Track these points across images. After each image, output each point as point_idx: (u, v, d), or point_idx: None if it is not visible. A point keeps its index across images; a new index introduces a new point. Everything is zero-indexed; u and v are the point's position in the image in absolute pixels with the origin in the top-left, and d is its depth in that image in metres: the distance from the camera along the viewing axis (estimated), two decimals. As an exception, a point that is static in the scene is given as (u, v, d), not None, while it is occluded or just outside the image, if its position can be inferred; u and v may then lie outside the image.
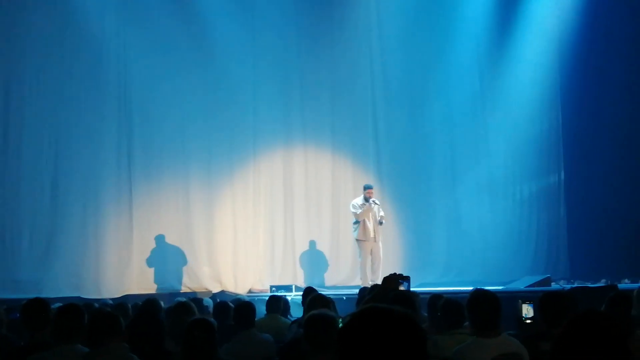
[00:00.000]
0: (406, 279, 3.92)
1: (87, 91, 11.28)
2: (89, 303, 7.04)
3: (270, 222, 12.40)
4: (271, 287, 11.28)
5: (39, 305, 4.56)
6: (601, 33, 12.67)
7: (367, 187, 11.03)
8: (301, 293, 10.21)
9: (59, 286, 10.45)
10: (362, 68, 13.05)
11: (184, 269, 11.64)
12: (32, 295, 6.22)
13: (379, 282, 8.59)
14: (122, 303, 7.26)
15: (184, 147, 11.90)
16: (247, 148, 12.34)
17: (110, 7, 11.52)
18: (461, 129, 13.40)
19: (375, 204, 10.83)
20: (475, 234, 13.06)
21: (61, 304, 4.46)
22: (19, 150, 10.91)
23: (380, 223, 10.90)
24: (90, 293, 10.47)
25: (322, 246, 12.58)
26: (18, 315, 5.65)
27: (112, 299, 9.30)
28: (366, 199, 10.84)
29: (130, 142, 11.50)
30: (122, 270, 11.16)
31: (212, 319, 4.19)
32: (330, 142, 12.87)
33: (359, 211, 10.80)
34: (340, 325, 1.71)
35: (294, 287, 11.21)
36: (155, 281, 11.38)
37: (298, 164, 12.67)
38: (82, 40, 11.29)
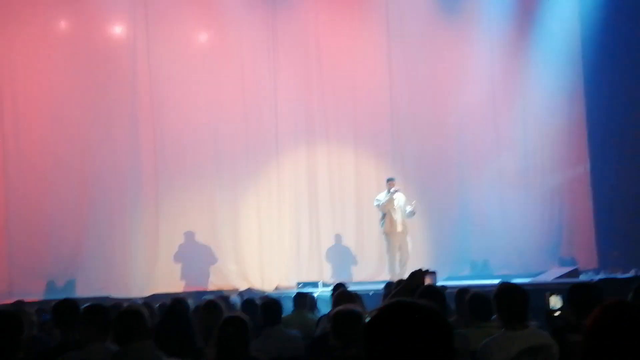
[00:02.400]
0: (432, 274, 3.91)
1: (112, 92, 11.40)
2: (118, 302, 7.11)
3: (295, 219, 12.43)
4: (297, 283, 11.31)
5: (69, 305, 4.63)
6: (625, 20, 12.49)
7: (388, 180, 11.09)
8: (327, 289, 10.26)
9: (88, 287, 10.58)
10: (382, 60, 13.01)
11: (211, 267, 11.72)
12: (62, 296, 6.30)
13: (406, 277, 8.60)
14: (147, 303, 7.31)
15: (208, 146, 11.98)
16: (270, 145, 12.38)
17: (134, 13, 11.63)
18: (484, 120, 13.31)
19: (396, 191, 10.84)
20: (501, 226, 12.96)
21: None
22: (47, 152, 11.05)
23: (413, 213, 10.89)
24: (119, 292, 10.57)
25: (348, 242, 12.59)
26: (48, 316, 5.74)
27: (141, 298, 9.39)
28: (389, 191, 10.87)
29: (155, 142, 11.61)
30: (150, 270, 11.28)
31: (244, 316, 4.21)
32: (352, 137, 12.86)
33: (380, 202, 10.82)
34: (367, 320, 1.71)
35: (320, 283, 11.23)
36: (183, 280, 11.47)
37: (321, 160, 12.69)
38: (105, 46, 11.48)
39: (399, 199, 10.97)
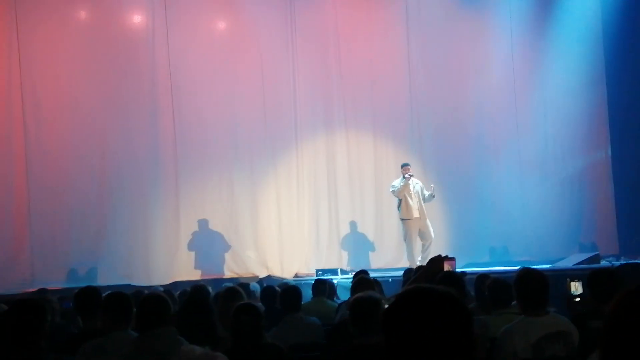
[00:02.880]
0: (452, 260, 3.91)
1: (131, 83, 11.44)
2: (139, 290, 7.17)
3: (315, 206, 12.44)
4: (317, 270, 11.33)
5: (91, 293, 4.67)
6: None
7: (403, 165, 11.02)
8: (346, 276, 10.30)
9: (110, 275, 10.66)
10: (400, 46, 12.94)
11: (231, 254, 11.77)
12: (85, 284, 6.37)
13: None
14: (167, 290, 7.37)
15: (227, 134, 12.01)
16: (289, 132, 12.39)
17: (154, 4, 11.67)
18: (504, 106, 13.21)
19: (410, 176, 10.80)
20: (521, 212, 12.88)
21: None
22: (68, 143, 11.13)
23: (432, 196, 10.87)
24: (140, 280, 10.66)
25: (367, 229, 12.59)
26: (71, 304, 5.80)
27: (162, 286, 9.47)
28: (404, 177, 10.84)
29: (174, 131, 11.65)
30: (170, 258, 11.36)
31: (258, 304, 4.24)
32: (371, 124, 12.83)
33: (396, 189, 10.79)
34: (386, 306, 1.71)
35: (339, 270, 11.26)
36: (203, 267, 11.54)
37: (340, 147, 12.67)
38: (125, 37, 11.53)
39: (415, 184, 10.93)
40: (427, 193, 10.89)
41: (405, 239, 10.99)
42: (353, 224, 12.54)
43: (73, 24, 11.37)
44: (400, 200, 10.87)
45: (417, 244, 10.98)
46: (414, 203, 10.79)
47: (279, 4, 12.43)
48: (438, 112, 13.00)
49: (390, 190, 11.00)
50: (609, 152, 13.17)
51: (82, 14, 11.50)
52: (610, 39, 12.95)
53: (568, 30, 13.08)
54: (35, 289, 9.20)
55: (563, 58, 13.10)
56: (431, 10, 12.99)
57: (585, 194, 13.20)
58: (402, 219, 10.90)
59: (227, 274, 11.54)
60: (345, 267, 11.79)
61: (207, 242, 11.68)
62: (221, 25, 12.38)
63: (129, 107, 11.42)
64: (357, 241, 12.51)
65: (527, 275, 4.07)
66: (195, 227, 11.68)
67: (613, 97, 13.05)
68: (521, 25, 13.24)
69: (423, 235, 10.90)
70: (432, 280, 3.61)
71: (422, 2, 13.03)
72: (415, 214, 10.79)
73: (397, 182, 10.90)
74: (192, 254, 11.59)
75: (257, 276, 11.49)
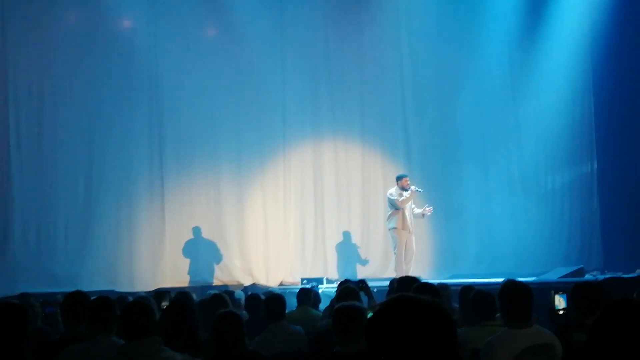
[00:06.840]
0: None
1: (118, 88, 11.44)
2: (123, 296, 7.13)
3: (301, 215, 12.43)
4: (302, 279, 11.31)
5: (79, 298, 4.63)
6: (635, 19, 12.43)
7: (402, 177, 10.99)
8: (331, 285, 10.29)
9: (94, 280, 10.62)
10: (390, 59, 12.99)
11: (216, 262, 11.74)
12: (67, 289, 6.32)
13: (411, 273, 8.60)
14: (157, 294, 7.31)
15: (215, 142, 12.01)
16: (277, 141, 12.38)
17: (141, 6, 11.65)
18: (491, 119, 13.26)
19: (419, 191, 10.82)
20: (507, 225, 12.92)
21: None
22: (53, 147, 11.10)
23: (422, 215, 10.96)
24: (124, 286, 10.62)
25: (353, 239, 12.58)
26: (53, 309, 5.76)
27: (146, 292, 9.42)
28: (404, 189, 10.79)
29: (161, 137, 11.65)
30: (155, 264, 11.31)
31: (241, 312, 4.22)
32: (359, 134, 12.85)
33: (400, 199, 10.75)
34: (370, 315, 1.71)
35: (324, 279, 11.24)
36: (188, 274, 11.50)
37: (328, 156, 12.68)
38: (113, 39, 11.51)
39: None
40: (416, 210, 10.93)
41: (395, 249, 10.98)
42: (339, 234, 12.53)
43: (61, 26, 11.33)
44: (394, 210, 10.82)
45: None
46: (408, 215, 10.83)
47: (269, 13, 12.43)
48: (427, 124, 13.04)
49: (391, 198, 10.90)
50: (595, 167, 13.25)
51: (71, 17, 11.47)
52: (597, 53, 13.04)
53: (556, 45, 13.15)
54: (17, 294, 9.12)
55: (550, 73, 13.17)
56: (423, 22, 13.02)
57: (571, 208, 13.25)
58: (394, 228, 10.86)
59: (212, 281, 11.50)
60: (332, 277, 11.78)
61: (192, 249, 11.65)
62: (210, 31, 12.38)
63: (116, 114, 11.40)
64: (342, 251, 12.50)
65: (511, 287, 4.06)
66: (181, 235, 11.64)
67: (599, 112, 13.14)
68: (511, 40, 13.31)
69: (408, 247, 10.93)
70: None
71: (414, 14, 13.06)
72: (408, 226, 10.82)
73: (395, 191, 10.84)
74: (177, 260, 11.54)
75: (242, 284, 11.46)
